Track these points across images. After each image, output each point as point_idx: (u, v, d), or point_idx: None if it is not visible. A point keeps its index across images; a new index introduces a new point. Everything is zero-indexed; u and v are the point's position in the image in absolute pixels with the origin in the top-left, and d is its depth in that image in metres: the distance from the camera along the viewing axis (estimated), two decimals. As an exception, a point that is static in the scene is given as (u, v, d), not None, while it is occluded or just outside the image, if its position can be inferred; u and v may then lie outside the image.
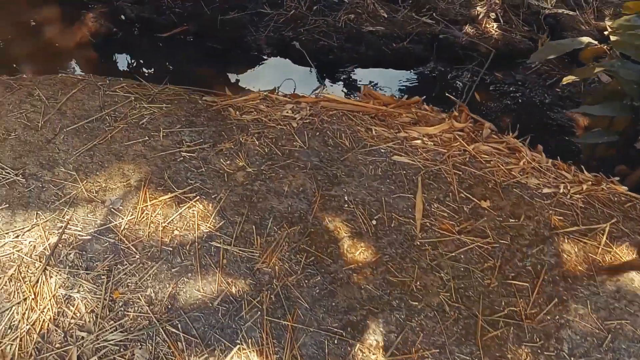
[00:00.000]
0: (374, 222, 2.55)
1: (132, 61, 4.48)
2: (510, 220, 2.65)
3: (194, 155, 2.77)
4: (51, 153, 2.71)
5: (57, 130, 2.84)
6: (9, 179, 2.56)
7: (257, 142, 2.89)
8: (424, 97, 3.67)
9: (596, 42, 2.77)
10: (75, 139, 2.80)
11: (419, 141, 3.07)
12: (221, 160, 2.77)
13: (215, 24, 4.62)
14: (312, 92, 3.73)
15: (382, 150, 2.95)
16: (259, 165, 2.77)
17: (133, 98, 3.10)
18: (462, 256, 2.43)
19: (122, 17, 4.69)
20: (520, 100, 4.72)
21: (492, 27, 5.09)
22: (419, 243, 2.48)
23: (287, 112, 3.13)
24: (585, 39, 2.80)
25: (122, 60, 4.46)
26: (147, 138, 2.85)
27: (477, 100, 4.63)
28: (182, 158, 2.75)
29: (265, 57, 4.66)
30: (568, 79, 2.89)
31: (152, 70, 4.48)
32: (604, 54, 2.99)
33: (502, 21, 5.17)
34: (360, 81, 4.68)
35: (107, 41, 4.52)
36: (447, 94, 3.91)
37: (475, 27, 5.05)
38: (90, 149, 2.75)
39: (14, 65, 4.28)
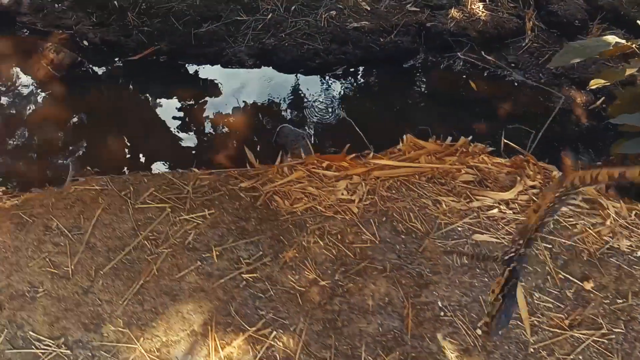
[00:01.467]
0: (478, 331, 2.29)
1: (107, 93, 4.06)
2: (618, 301, 2.46)
3: (257, 275, 2.42)
4: (92, 307, 2.27)
5: (92, 274, 2.36)
6: (50, 353, 2.10)
7: (321, 243, 2.54)
8: (470, 137, 3.43)
9: (623, 41, 2.58)
10: (116, 281, 2.34)
11: (495, 210, 2.77)
12: (288, 276, 2.42)
13: (189, 39, 4.23)
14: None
15: (460, 229, 2.66)
16: (332, 275, 2.43)
17: (169, 210, 2.66)
18: (581, 357, 2.24)
19: (85, 42, 4.25)
20: (516, 84, 4.57)
21: (478, 7, 4.87)
22: (532, 350, 2.26)
23: (342, 194, 2.74)
24: (612, 39, 2.60)
25: (96, 97, 4.03)
26: (199, 263, 2.44)
27: (474, 90, 4.45)
28: (244, 282, 2.39)
29: (248, 70, 4.32)
30: (596, 82, 2.70)
31: (134, 111, 4.08)
32: (632, 52, 2.81)
33: (487, 0, 4.95)
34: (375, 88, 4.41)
35: (73, 73, 4.08)
36: (509, 143, 3.50)
37: (461, 10, 4.82)
38: (137, 291, 2.31)
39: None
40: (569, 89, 4.57)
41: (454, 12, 4.78)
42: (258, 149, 3.76)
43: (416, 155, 3.05)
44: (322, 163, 2.96)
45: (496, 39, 4.81)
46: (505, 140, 3.47)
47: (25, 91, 3.96)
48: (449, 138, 3.43)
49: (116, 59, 4.25)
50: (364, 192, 2.72)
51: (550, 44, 4.91)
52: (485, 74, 4.61)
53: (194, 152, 3.71)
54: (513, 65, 4.72)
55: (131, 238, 2.53)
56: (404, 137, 3.32)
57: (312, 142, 3.81)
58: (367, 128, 4.02)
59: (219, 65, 4.30)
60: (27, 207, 2.66)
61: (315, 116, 4.15)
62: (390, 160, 2.95)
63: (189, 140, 3.80)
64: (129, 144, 3.69)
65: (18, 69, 4.11)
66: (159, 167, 3.57)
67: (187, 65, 4.30)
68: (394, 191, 2.78)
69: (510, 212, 2.77)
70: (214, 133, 3.87)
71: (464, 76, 4.55)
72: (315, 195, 2.72)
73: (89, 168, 3.12)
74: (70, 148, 3.63)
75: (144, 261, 2.45)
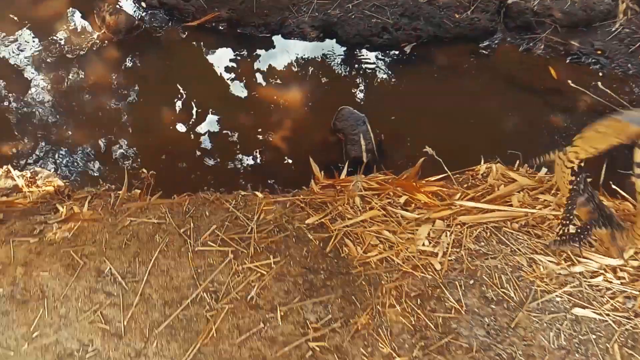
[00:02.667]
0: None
1: (162, 63, 3.89)
2: None
3: (325, 344, 2.13)
4: (146, 374, 2.04)
5: (146, 332, 2.15)
6: None
7: (398, 309, 2.22)
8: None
9: None
10: (172, 343, 2.13)
11: (600, 278, 2.36)
12: (360, 348, 2.12)
13: (251, 6, 3.97)
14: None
15: (558, 300, 2.28)
16: (410, 350, 2.11)
17: (231, 255, 2.38)
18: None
19: (143, 4, 4.05)
20: (601, 74, 4.15)
21: (567, -16, 4.38)
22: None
23: (424, 245, 2.37)
24: None
25: (152, 65, 3.86)
26: (262, 325, 2.18)
27: (554, 78, 4.06)
28: (310, 352, 2.11)
29: (311, 43, 4.05)
30: None
31: (189, 84, 3.90)
32: None
33: (578, -23, 4.44)
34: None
35: (130, 37, 3.91)
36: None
37: (547, -13, 4.34)
38: (194, 356, 2.10)
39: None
40: (661, 83, 4.12)
41: (539, -11, 4.32)
42: (316, 137, 3.56)
43: (507, 192, 2.62)
44: (399, 197, 2.58)
45: (584, 22, 4.34)
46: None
47: (78, 54, 3.82)
48: (540, 164, 2.84)
49: (174, 24, 4.05)
50: (449, 244, 2.35)
51: (645, 30, 4.41)
52: (568, 61, 4.20)
53: (250, 133, 3.53)
54: (600, 52, 4.27)
55: (189, 289, 2.30)
56: (493, 167, 2.89)
57: (372, 127, 3.57)
58: (434, 117, 3.75)
59: (280, 36, 4.04)
60: (79, 244, 2.42)
61: (378, 98, 3.87)
62: (479, 203, 2.55)
63: (245, 118, 3.62)
64: (182, 125, 3.55)
65: (73, 30, 3.97)
66: (215, 166, 3.43)
67: (247, 34, 4.05)
68: (482, 243, 2.38)
69: (618, 282, 2.36)
70: (271, 110, 3.66)
71: (545, 62, 4.16)
72: (392, 243, 2.35)
73: (144, 171, 2.92)
74: (120, 131, 3.52)
75: (202, 318, 2.21)
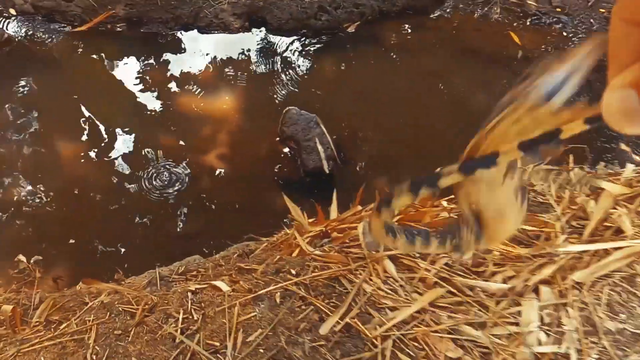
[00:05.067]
0: None
1: (47, 81, 3.02)
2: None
3: None
4: None
5: None
6: None
7: None
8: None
9: None
10: None
11: None
12: None
13: (154, -1, 3.18)
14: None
15: None
16: None
17: None
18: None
19: (12, 11, 3.15)
20: (564, 34, 3.69)
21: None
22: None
23: (540, 342, 1.34)
24: None
25: (33, 88, 2.98)
26: None
27: (517, 44, 3.56)
28: None
29: (235, 35, 3.31)
30: None
31: (84, 103, 3.05)
32: None
33: None
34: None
35: (2, 59, 3.02)
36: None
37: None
38: None
39: None
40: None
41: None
42: (261, 149, 2.84)
43: (605, 213, 1.60)
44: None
45: (536, -23, 3.87)
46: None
47: None
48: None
49: (59, 32, 3.18)
50: (577, 329, 1.31)
51: (600, -20, 4.01)
52: (528, 23, 3.71)
53: (176, 156, 2.75)
54: (559, 10, 3.82)
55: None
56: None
57: (327, 127, 2.90)
58: (394, 104, 3.13)
59: (196, 31, 3.28)
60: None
61: (326, 91, 3.21)
62: (584, 244, 1.51)
63: (166, 138, 2.84)
64: (85, 161, 2.72)
65: None
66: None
67: (154, 33, 3.25)
68: (623, 315, 1.38)
69: None
70: (199, 124, 2.90)
71: (504, 27, 3.64)
72: (486, 349, 1.33)
73: (21, 259, 1.99)
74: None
75: None
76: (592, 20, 3.79)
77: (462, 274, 1.43)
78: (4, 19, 3.16)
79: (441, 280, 1.44)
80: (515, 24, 3.69)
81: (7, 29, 3.10)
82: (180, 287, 1.52)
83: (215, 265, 1.69)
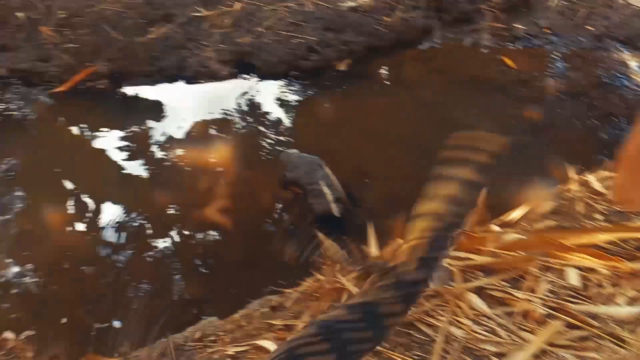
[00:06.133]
0: None
1: (28, 150, 2.81)
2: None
3: None
4: None
5: None
6: None
7: None
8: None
9: None
10: None
11: None
12: None
13: (134, 52, 3.03)
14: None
15: None
16: None
17: None
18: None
19: (-16, 77, 2.97)
20: (558, 52, 3.63)
21: (493, -35, 3.89)
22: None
23: None
24: None
25: (15, 157, 2.76)
26: None
27: (512, 67, 3.47)
28: None
29: (223, 83, 3.16)
30: None
31: (69, 171, 2.83)
32: None
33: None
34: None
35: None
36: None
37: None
38: None
39: None
40: (618, 53, 3.68)
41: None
42: (263, 200, 2.65)
43: None
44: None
45: (521, 1, 3.85)
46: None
47: None
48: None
49: (36, 96, 2.99)
50: None
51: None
52: (521, 47, 3.65)
53: (174, 218, 2.53)
54: (548, 31, 3.78)
55: None
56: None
57: (331, 169, 2.72)
58: (397, 141, 2.98)
59: (184, 82, 3.12)
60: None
61: (324, 133, 3.05)
62: None
63: (161, 197, 2.62)
64: (74, 232, 2.49)
65: None
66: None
67: (137, 89, 3.08)
68: None
69: None
70: (193, 185, 2.69)
71: (496, 52, 3.57)
72: None
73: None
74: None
75: None
76: (580, 38, 3.75)
77: (573, 299, 1.20)
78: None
79: (553, 311, 1.18)
80: (506, 49, 3.63)
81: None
82: (217, 353, 1.27)
83: (236, 327, 1.46)
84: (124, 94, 3.04)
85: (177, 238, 2.44)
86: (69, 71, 2.96)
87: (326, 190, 2.63)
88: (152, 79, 3.07)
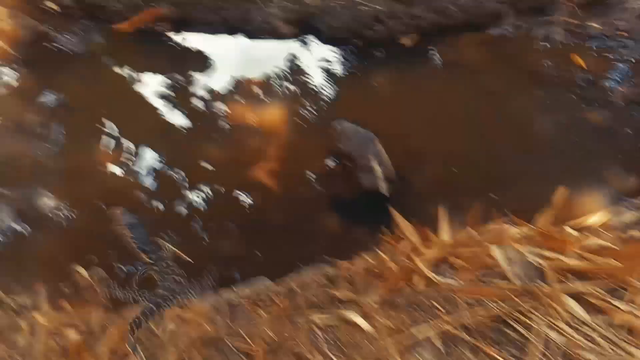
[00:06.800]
0: None
1: (86, 87, 2.80)
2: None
3: None
4: None
5: None
6: None
7: None
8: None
9: None
10: None
11: None
12: None
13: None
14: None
15: None
16: None
17: None
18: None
19: (51, 4, 2.94)
20: (633, 60, 3.44)
21: (579, -44, 3.67)
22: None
23: None
24: None
25: (71, 92, 2.76)
26: None
27: (584, 67, 3.31)
28: None
29: (284, 42, 3.09)
30: None
31: (124, 112, 2.83)
32: None
33: (589, -54, 3.75)
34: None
35: (38, 52, 2.80)
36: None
37: (557, -41, 3.62)
38: None
39: None
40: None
41: (548, -38, 3.58)
42: (313, 166, 2.60)
43: None
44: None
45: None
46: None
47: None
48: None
49: (99, 31, 2.97)
50: None
51: (667, 5, 3.77)
52: (595, 46, 3.47)
53: (226, 173, 2.51)
54: (625, 34, 3.58)
55: None
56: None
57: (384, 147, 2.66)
58: (451, 125, 2.89)
59: (244, 36, 3.06)
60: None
61: (379, 107, 2.97)
62: None
63: (215, 152, 2.60)
64: (124, 172, 2.49)
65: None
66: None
67: (198, 37, 3.03)
68: None
69: None
70: (245, 143, 2.66)
71: (569, 50, 3.40)
72: None
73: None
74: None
75: None
76: (660, 46, 3.55)
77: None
78: (42, 16, 2.95)
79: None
80: (578, 47, 3.46)
81: (44, 25, 2.88)
82: (302, 320, 1.24)
83: (289, 292, 1.43)
84: (181, 42, 2.99)
85: (221, 193, 2.42)
86: (132, 9, 2.93)
87: (376, 167, 2.58)
88: (213, 28, 3.01)
